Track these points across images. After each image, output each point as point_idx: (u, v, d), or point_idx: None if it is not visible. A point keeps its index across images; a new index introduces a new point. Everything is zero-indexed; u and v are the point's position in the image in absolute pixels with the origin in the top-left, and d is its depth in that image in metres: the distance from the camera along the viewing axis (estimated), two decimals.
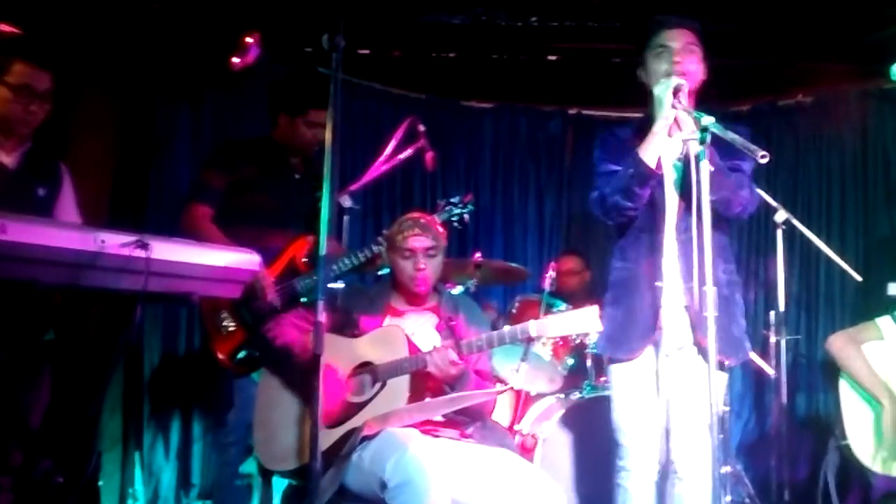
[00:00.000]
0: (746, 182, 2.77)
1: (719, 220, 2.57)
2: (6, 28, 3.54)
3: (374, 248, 3.31)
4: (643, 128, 2.81)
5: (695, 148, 2.40)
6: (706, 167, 2.36)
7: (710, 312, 2.33)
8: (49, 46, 3.08)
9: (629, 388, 2.82)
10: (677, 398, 2.78)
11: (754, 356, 4.38)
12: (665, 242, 2.76)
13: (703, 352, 2.70)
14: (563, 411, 3.88)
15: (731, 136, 2.42)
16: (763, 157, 2.35)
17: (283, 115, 3.60)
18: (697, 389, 2.69)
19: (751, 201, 2.79)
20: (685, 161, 2.44)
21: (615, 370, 2.85)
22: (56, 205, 3.02)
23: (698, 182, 2.37)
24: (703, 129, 2.39)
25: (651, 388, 2.81)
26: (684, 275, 2.72)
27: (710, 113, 2.44)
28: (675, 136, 2.70)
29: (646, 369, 2.80)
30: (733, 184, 2.69)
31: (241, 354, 3.34)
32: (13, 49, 2.96)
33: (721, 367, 2.72)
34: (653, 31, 2.79)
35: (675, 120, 2.66)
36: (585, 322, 2.65)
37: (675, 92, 2.60)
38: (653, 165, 2.69)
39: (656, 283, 2.75)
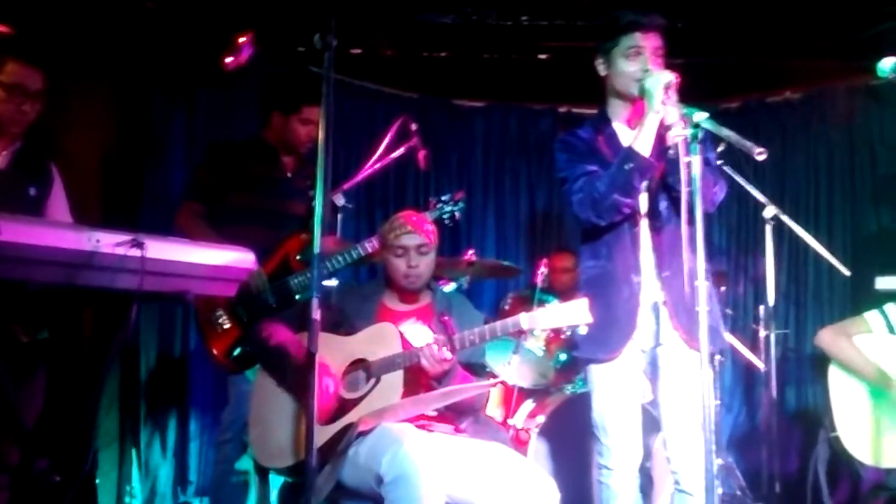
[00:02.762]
0: (718, 175, 2.79)
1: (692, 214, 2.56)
2: None
3: (368, 247, 3.34)
4: (601, 125, 2.84)
5: (683, 138, 2.38)
6: (698, 163, 2.34)
7: (703, 308, 2.31)
8: (42, 46, 3.07)
9: (610, 387, 2.80)
10: (667, 395, 2.79)
11: (745, 350, 4.43)
12: (641, 236, 2.77)
13: (687, 344, 2.71)
14: (555, 406, 3.92)
15: (725, 132, 2.39)
16: (760, 153, 2.33)
17: (276, 114, 3.60)
18: (687, 384, 2.71)
19: (721, 194, 2.79)
20: (675, 157, 2.43)
21: (595, 370, 2.83)
22: (47, 204, 3.01)
23: (689, 178, 2.34)
24: (696, 126, 2.36)
25: (632, 386, 2.81)
26: (658, 267, 2.74)
27: (700, 109, 2.41)
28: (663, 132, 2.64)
29: (626, 368, 2.79)
30: (711, 179, 2.70)
31: (237, 352, 3.35)
32: (6, 48, 2.95)
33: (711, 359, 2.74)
34: (624, 30, 2.74)
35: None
36: (576, 314, 2.65)
37: (666, 88, 2.56)
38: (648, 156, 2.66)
39: (633, 278, 2.74)
